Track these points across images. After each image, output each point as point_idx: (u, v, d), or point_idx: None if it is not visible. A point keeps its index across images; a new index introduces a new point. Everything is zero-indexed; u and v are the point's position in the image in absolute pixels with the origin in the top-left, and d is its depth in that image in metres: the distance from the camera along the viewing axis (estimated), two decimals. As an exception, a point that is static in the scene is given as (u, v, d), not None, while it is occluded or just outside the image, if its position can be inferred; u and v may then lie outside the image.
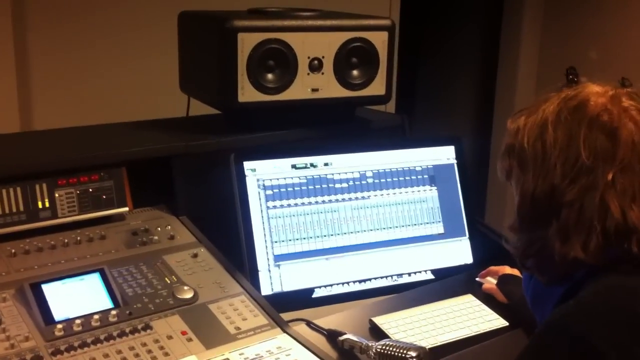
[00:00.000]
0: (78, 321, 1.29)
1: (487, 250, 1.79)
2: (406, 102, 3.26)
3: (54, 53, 2.42)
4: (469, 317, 1.56)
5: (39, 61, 2.41)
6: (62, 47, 2.43)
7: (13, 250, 1.42)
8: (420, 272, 1.74)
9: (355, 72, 1.80)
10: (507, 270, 1.66)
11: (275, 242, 1.61)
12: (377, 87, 1.83)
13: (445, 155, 1.82)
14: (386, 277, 1.70)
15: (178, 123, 1.92)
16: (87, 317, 1.30)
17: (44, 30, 2.39)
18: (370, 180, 1.73)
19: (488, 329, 1.53)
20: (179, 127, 1.85)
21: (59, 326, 1.27)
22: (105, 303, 1.35)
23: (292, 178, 1.65)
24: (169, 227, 1.61)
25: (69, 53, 2.45)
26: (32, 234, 1.47)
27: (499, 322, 1.55)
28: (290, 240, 1.63)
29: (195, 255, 1.54)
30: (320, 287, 1.64)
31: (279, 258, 1.61)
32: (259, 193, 1.62)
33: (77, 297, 1.34)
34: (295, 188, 1.65)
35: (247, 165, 1.62)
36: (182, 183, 1.68)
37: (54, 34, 2.41)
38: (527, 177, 1.10)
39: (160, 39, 2.27)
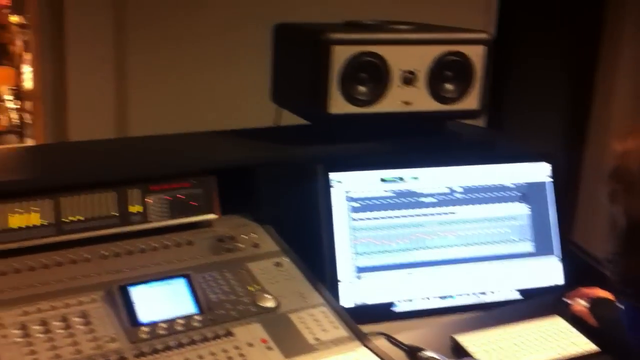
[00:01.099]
0: (163, 325, 1.32)
1: (577, 271, 1.73)
2: (494, 115, 3.19)
3: (150, 63, 2.51)
4: (556, 339, 1.50)
5: (136, 71, 2.50)
6: (158, 58, 2.52)
7: (105, 253, 1.47)
8: (506, 290, 1.69)
9: (449, 86, 1.78)
10: (598, 292, 1.59)
11: (358, 254, 1.60)
12: (470, 102, 1.80)
13: (539, 172, 1.76)
14: (470, 294, 1.67)
15: (267, 132, 1.94)
16: (171, 321, 1.34)
17: (142, 41, 2.49)
18: (458, 196, 1.69)
19: (577, 353, 1.47)
20: (268, 137, 1.88)
21: (144, 329, 1.31)
22: (190, 308, 1.38)
23: (379, 191, 1.64)
24: (254, 235, 1.63)
25: (165, 63, 2.53)
26: (123, 237, 1.52)
27: (589, 347, 1.49)
28: (373, 252, 1.61)
29: (278, 264, 1.55)
30: (401, 301, 1.62)
31: (361, 270, 1.60)
32: (344, 205, 1.61)
33: (162, 301, 1.38)
34: (382, 201, 1.64)
35: (334, 176, 1.62)
36: (268, 192, 1.70)
37: (151, 46, 2.50)
38: (634, 202, 1.05)
39: (252, 50, 2.32)
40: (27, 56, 3.77)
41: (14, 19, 3.84)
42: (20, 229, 1.41)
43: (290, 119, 1.90)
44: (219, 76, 2.59)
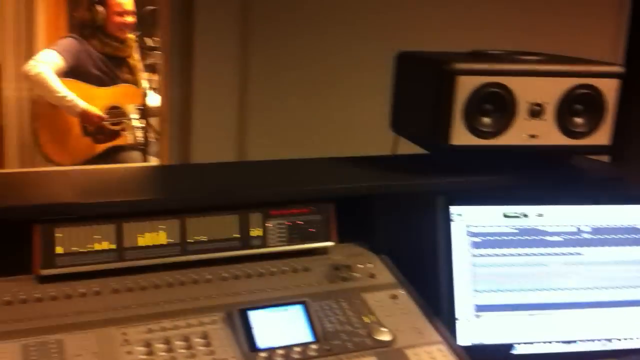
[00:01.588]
0: (280, 351, 1.32)
1: None
2: (617, 149, 3.04)
3: (272, 88, 2.57)
4: (692, 398, 1.40)
5: (257, 95, 2.55)
6: (279, 84, 2.57)
7: (225, 275, 1.50)
8: (635, 338, 1.59)
9: (578, 120, 1.71)
10: None
11: (478, 291, 1.56)
12: (601, 137, 1.72)
13: (673, 214, 1.66)
14: (596, 340, 1.58)
15: (386, 161, 1.93)
16: (288, 348, 1.33)
17: (265, 67, 2.55)
18: (586, 236, 1.62)
19: None
20: (386, 165, 1.86)
21: (262, 354, 1.31)
22: (307, 336, 1.37)
23: (501, 227, 1.59)
24: (370, 265, 1.61)
25: (285, 90, 2.59)
26: (242, 260, 1.54)
27: None
28: (493, 290, 1.56)
29: (394, 297, 1.53)
30: (521, 343, 1.55)
31: (479, 308, 1.55)
32: (464, 239, 1.57)
33: (280, 327, 1.38)
34: (504, 237, 1.59)
35: (454, 209, 1.58)
36: (385, 221, 1.68)
37: (274, 72, 2.56)
38: None
39: (373, 77, 2.32)
40: (154, 76, 3.95)
41: (132, 36, 4.05)
42: (147, 247, 1.45)
43: (408, 147, 1.88)
44: (338, 102, 2.61)
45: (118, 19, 3.96)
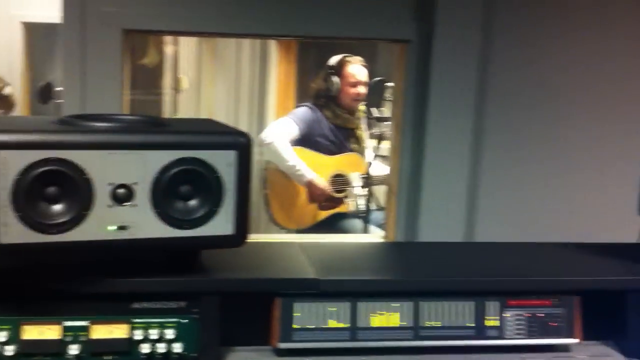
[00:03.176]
0: None
1: None
2: None
3: (505, 166, 2.48)
4: None
5: (489, 174, 2.47)
6: (513, 163, 2.49)
7: (458, 365, 1.42)
8: None
9: None
10: None
11: None
12: None
13: None
14: None
15: (635, 251, 1.76)
16: None
17: (499, 145, 2.48)
18: None
19: None
20: (636, 256, 1.69)
21: None
22: None
23: None
24: (618, 368, 1.45)
25: (520, 169, 2.49)
26: (476, 350, 1.46)
27: None
28: None
29: (649, 411, 1.35)
30: None
31: None
32: None
33: None
34: None
35: None
36: (638, 321, 1.51)
37: (508, 150, 2.48)
38: None
39: (617, 158, 2.16)
40: (378, 145, 4.00)
41: (362, 107, 4.13)
42: (380, 328, 1.42)
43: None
44: (578, 182, 2.46)
45: (352, 90, 4.06)
